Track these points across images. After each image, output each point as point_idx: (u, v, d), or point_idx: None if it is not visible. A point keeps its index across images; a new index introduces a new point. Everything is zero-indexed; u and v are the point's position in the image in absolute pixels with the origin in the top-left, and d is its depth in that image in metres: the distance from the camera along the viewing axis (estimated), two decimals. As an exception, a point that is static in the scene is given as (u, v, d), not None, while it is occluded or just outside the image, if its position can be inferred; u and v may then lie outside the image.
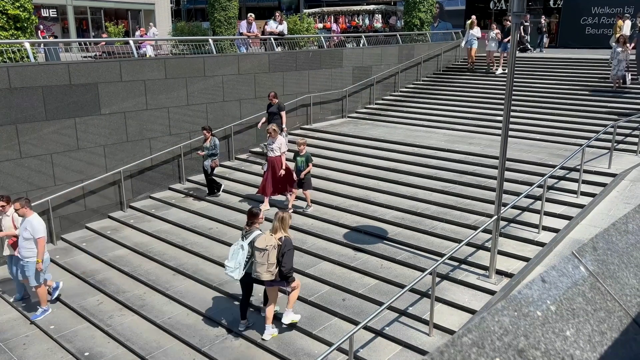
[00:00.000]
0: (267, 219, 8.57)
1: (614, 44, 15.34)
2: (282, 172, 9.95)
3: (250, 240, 6.58)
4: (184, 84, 12.15)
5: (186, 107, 12.29)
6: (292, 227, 9.63)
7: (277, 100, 12.08)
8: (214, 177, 11.42)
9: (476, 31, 18.72)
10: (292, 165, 10.13)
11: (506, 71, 16.77)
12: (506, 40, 17.55)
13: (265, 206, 10.07)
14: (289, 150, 11.06)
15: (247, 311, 7.10)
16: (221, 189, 11.46)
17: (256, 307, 7.46)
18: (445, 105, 16.07)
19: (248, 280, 6.76)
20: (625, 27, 22.47)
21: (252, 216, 6.80)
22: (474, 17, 19.20)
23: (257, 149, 13.82)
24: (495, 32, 18.25)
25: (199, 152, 11.56)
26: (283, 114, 12.11)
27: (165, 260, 9.07)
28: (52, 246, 10.27)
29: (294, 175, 9.90)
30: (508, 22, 17.48)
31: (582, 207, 8.92)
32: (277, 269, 6.38)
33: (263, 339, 6.77)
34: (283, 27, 15.81)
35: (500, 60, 18.27)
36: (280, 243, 6.35)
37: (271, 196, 10.30)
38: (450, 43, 20.64)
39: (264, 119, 12.23)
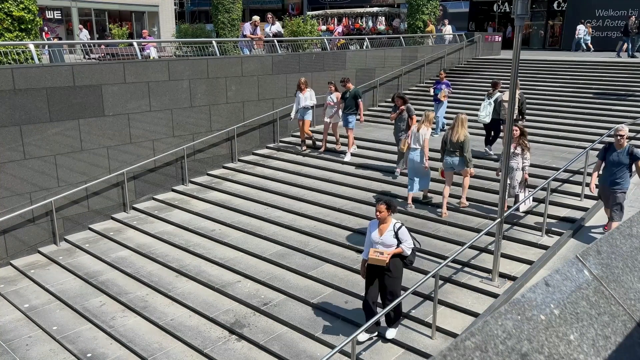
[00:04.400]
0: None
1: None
2: None
3: (495, 98, 11.09)
4: (187, 86, 12.17)
5: (189, 108, 12.31)
6: (293, 229, 9.67)
7: None
8: None
9: (309, 95, 12.78)
10: None
11: (352, 151, 12.24)
12: (355, 112, 12.28)
13: None
14: None
15: (491, 145, 11.51)
16: None
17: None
18: (448, 107, 16.01)
19: (492, 124, 11.21)
20: (447, 31, 21.47)
21: (495, 84, 11.35)
22: (303, 78, 12.99)
23: (260, 151, 13.83)
24: (334, 96, 12.66)
25: None
26: None
27: (168, 261, 9.07)
28: (55, 247, 10.31)
29: None
30: (350, 85, 12.42)
31: (585, 210, 8.89)
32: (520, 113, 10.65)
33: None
34: (276, 28, 15.73)
35: (350, 140, 12.38)
36: (519, 97, 10.18)
37: None
38: (454, 45, 20.64)
39: None
